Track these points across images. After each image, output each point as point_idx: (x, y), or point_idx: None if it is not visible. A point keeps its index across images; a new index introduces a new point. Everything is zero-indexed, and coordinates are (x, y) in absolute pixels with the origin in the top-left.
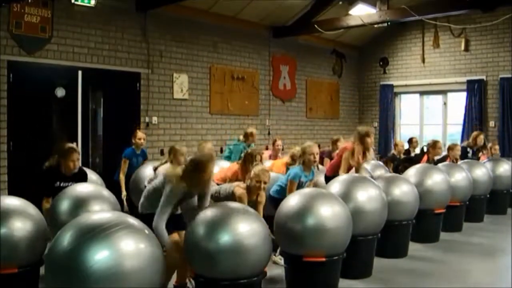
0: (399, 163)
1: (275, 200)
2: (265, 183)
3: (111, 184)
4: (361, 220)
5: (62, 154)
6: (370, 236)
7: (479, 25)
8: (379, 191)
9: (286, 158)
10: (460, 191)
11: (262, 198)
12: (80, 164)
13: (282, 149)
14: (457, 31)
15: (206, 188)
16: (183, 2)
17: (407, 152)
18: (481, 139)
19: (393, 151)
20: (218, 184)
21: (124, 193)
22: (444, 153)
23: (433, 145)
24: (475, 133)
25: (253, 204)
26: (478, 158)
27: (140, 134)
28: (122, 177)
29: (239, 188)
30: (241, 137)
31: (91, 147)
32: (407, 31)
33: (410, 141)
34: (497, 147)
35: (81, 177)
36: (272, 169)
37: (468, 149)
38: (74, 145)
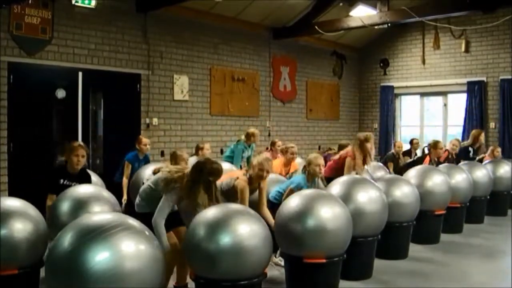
0: (402, 168)
1: (274, 206)
2: (267, 172)
3: (111, 185)
4: (361, 222)
5: (69, 149)
6: (370, 238)
7: (480, 27)
8: (379, 193)
9: (283, 158)
10: (461, 192)
11: (265, 184)
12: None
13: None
14: (457, 32)
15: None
16: (184, 3)
17: (408, 153)
18: (482, 138)
19: (392, 151)
20: None
21: (125, 197)
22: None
23: (434, 145)
24: (475, 131)
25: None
26: (480, 160)
27: (145, 140)
28: (125, 181)
29: (240, 180)
30: (243, 137)
31: (92, 148)
32: (407, 33)
33: (411, 142)
34: (499, 149)
35: (85, 179)
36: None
37: (469, 149)
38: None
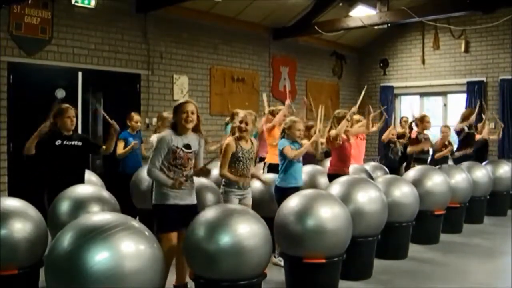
0: (409, 160)
1: (281, 191)
2: (246, 123)
3: (111, 185)
4: (361, 222)
5: (60, 112)
6: (370, 238)
7: (479, 27)
8: (379, 193)
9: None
10: (460, 192)
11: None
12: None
13: None
14: (457, 32)
15: (187, 128)
16: (183, 3)
17: (402, 136)
18: (473, 116)
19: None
20: None
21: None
22: (433, 130)
23: (421, 119)
24: (465, 111)
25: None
26: (473, 135)
27: (136, 117)
28: (120, 151)
29: (226, 139)
30: (228, 119)
31: None
32: (407, 33)
33: (400, 120)
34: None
35: (84, 137)
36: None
37: (465, 128)
38: None
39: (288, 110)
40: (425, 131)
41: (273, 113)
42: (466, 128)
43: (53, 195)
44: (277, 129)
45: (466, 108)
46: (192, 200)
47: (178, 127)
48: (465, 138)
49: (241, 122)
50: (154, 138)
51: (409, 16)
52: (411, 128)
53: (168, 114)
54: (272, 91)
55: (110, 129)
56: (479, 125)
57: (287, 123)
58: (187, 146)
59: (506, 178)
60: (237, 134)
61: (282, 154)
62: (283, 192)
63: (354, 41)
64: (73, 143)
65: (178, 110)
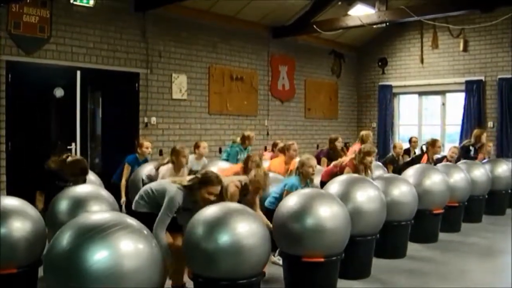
0: (400, 168)
1: (271, 213)
2: (264, 189)
3: (110, 185)
4: (360, 221)
5: (78, 170)
6: (369, 237)
7: (478, 26)
8: (378, 192)
9: (283, 157)
10: (459, 191)
11: (256, 200)
12: None
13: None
14: (455, 31)
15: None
16: (182, 2)
17: (407, 151)
18: (484, 137)
19: (392, 153)
20: None
21: (123, 198)
22: (443, 153)
23: (432, 143)
24: (477, 131)
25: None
26: (476, 157)
27: (146, 143)
28: (123, 183)
29: (233, 185)
30: (238, 139)
31: (90, 147)
32: (405, 32)
33: (410, 140)
34: (490, 144)
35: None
36: (270, 168)
37: (471, 147)
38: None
39: None
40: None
41: (283, 150)
42: (472, 152)
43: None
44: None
45: (464, 107)
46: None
47: (194, 197)
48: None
49: (258, 187)
50: (162, 170)
51: (408, 15)
52: (422, 151)
53: (181, 148)
54: (270, 90)
55: None
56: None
57: (300, 161)
58: (187, 209)
59: (504, 177)
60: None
61: (283, 189)
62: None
63: (353, 40)
64: (67, 184)
65: (207, 184)
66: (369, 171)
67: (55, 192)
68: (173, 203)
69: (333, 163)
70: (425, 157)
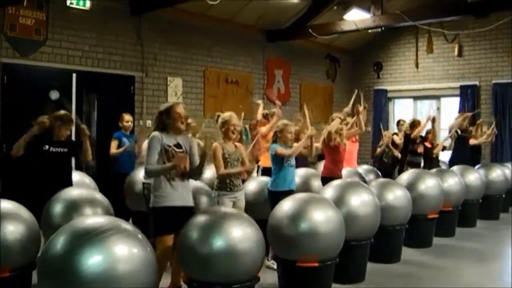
0: (402, 163)
1: (273, 195)
2: (238, 126)
3: (104, 187)
4: (354, 225)
5: (61, 120)
6: (363, 241)
7: (472, 31)
8: (372, 196)
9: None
10: (453, 196)
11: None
12: (73, 165)
13: None
14: (450, 36)
15: (181, 129)
16: (178, 5)
17: (395, 135)
18: (460, 118)
19: (381, 142)
20: None
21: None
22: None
23: (412, 125)
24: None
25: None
26: (468, 139)
27: (127, 117)
28: (112, 152)
29: (214, 142)
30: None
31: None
32: (401, 36)
33: (398, 123)
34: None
35: (72, 145)
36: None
37: (457, 131)
38: None
39: (280, 112)
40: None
41: (266, 117)
42: (458, 132)
43: (39, 200)
44: (272, 133)
45: (459, 112)
46: (189, 201)
47: (169, 128)
48: (458, 140)
49: (233, 126)
50: (144, 145)
51: (403, 20)
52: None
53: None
54: (266, 94)
55: (81, 135)
56: (473, 129)
57: (278, 126)
58: (178, 146)
59: (498, 181)
60: (233, 136)
61: (274, 158)
62: (276, 196)
63: (348, 44)
64: (59, 149)
65: (170, 111)
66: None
67: (45, 159)
68: (153, 141)
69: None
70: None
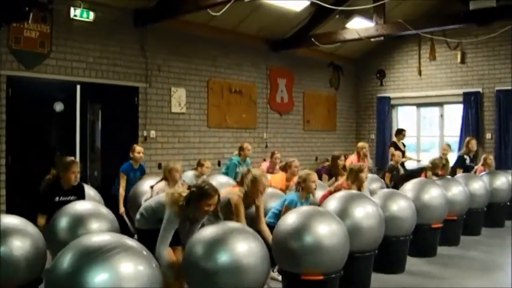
0: (399, 180)
1: (271, 228)
2: (264, 188)
3: (110, 199)
4: (358, 237)
5: (64, 167)
6: (367, 253)
7: (475, 40)
8: (376, 208)
9: (284, 174)
10: (457, 205)
11: (260, 202)
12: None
13: (280, 162)
14: (453, 43)
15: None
16: (181, 16)
17: (394, 143)
18: (473, 144)
19: (391, 162)
20: None
21: (122, 209)
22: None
23: (433, 167)
24: (467, 138)
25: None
26: (473, 166)
27: (138, 148)
28: (121, 192)
29: (234, 195)
30: (236, 152)
31: (90, 161)
32: (403, 44)
33: (400, 132)
34: (491, 156)
35: (80, 191)
36: (271, 183)
37: (465, 156)
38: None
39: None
40: None
41: (284, 168)
42: (468, 160)
43: None
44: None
45: (462, 118)
46: None
47: (193, 212)
48: (465, 169)
49: (257, 187)
50: (157, 188)
51: (405, 28)
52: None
53: (174, 164)
54: (269, 103)
55: None
56: (482, 158)
57: (301, 176)
58: (189, 220)
59: (503, 189)
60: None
61: (283, 204)
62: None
63: (351, 52)
64: (69, 198)
65: (204, 197)
66: (362, 189)
67: (56, 209)
68: (173, 218)
69: (328, 189)
70: (423, 174)
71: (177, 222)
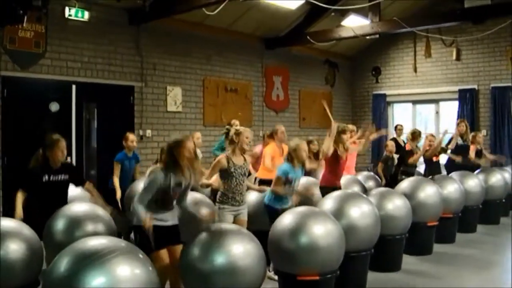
0: (396, 171)
1: (270, 210)
2: (247, 138)
3: (106, 196)
4: (354, 237)
5: (50, 144)
6: (363, 252)
7: (471, 37)
8: (371, 207)
9: (274, 142)
10: (453, 203)
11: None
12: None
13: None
14: (448, 40)
15: (187, 172)
16: (176, 15)
17: (394, 140)
18: (461, 126)
19: (385, 153)
20: None
21: (118, 194)
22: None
23: (412, 138)
24: (457, 121)
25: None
26: (468, 147)
27: (131, 136)
28: (116, 180)
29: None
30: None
31: (85, 160)
32: (399, 41)
33: (396, 128)
34: (480, 134)
35: (72, 170)
36: (265, 157)
37: (458, 140)
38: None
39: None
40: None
41: (271, 135)
42: (459, 141)
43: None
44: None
45: (458, 115)
46: (175, 221)
47: (175, 166)
48: (458, 149)
49: (248, 138)
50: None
51: (401, 26)
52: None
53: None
54: (265, 101)
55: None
56: (471, 135)
57: (291, 146)
58: (179, 184)
59: (498, 186)
60: (247, 148)
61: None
62: (271, 211)
63: (346, 49)
64: (59, 177)
65: (179, 145)
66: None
67: (46, 189)
68: (153, 180)
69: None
70: (408, 146)
71: (159, 184)
